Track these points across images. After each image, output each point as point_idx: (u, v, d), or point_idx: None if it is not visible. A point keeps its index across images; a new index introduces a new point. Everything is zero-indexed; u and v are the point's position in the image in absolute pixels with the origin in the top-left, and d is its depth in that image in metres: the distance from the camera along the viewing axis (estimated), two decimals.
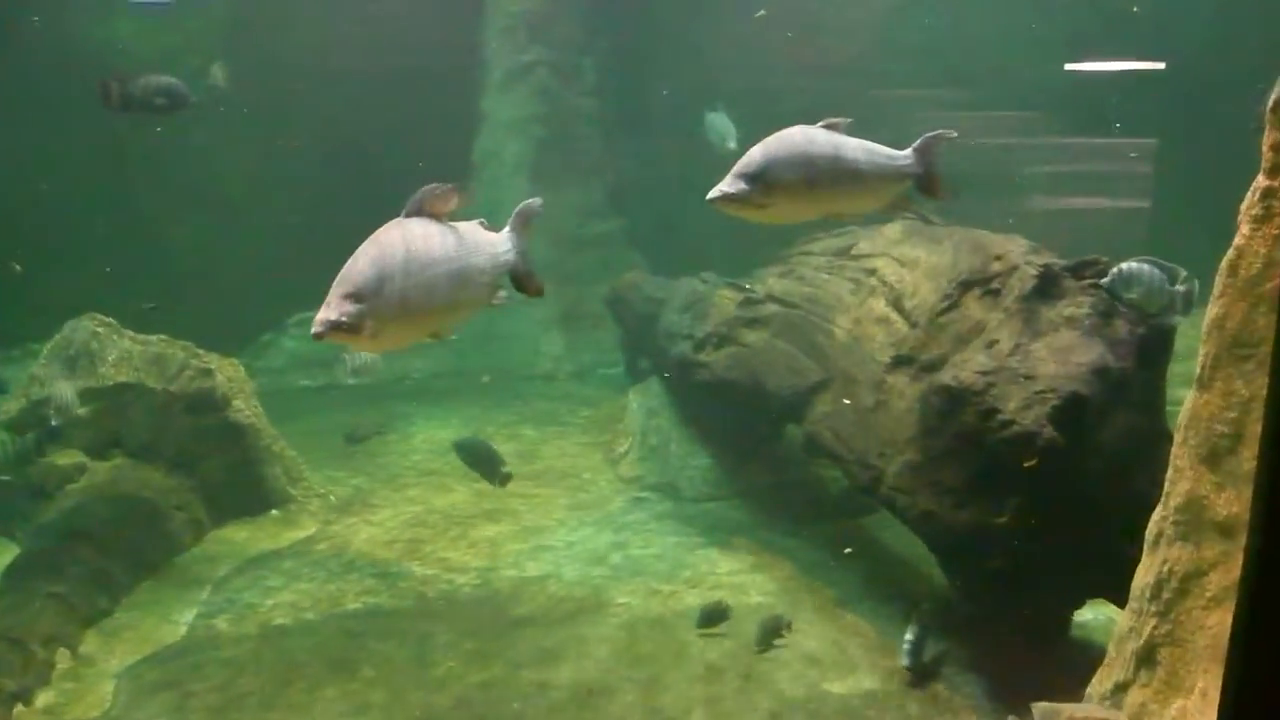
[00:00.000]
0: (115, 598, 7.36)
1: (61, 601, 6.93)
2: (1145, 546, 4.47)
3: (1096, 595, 6.03)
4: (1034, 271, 6.34)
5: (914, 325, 7.03)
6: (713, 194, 4.60)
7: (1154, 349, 5.99)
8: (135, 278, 11.74)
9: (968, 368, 6.02)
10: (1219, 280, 3.95)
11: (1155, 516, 4.44)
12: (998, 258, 6.64)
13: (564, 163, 14.62)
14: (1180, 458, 4.21)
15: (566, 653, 6.54)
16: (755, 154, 4.63)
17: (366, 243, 4.13)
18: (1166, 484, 4.35)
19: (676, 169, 13.78)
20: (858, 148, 4.77)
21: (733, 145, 12.75)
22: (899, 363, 6.91)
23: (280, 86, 13.35)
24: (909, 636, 6.07)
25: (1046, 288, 6.29)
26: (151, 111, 9.07)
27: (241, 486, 8.85)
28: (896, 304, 7.39)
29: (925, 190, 4.88)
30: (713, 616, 6.60)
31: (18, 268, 9.42)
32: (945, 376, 6.11)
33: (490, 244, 4.55)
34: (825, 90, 13.35)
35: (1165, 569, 4.29)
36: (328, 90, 13.70)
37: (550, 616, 7.11)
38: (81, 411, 8.07)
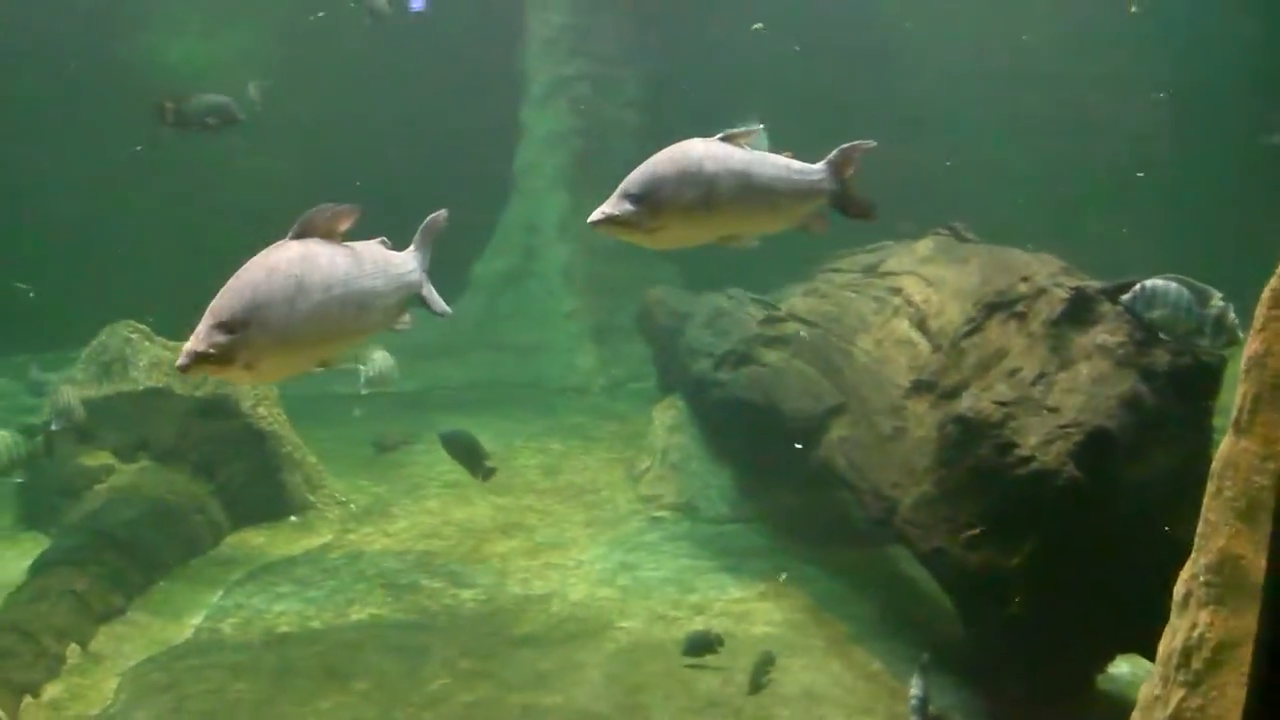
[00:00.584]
0: (130, 596, 7.48)
1: (78, 598, 7.07)
2: (1174, 606, 4.16)
3: (1128, 651, 5.67)
4: (1063, 294, 5.99)
5: (937, 349, 6.80)
6: (594, 216, 4.21)
7: (1197, 382, 5.55)
8: (186, 288, 11.97)
9: (986, 397, 5.79)
10: (1260, 312, 3.53)
11: (1184, 574, 4.01)
12: (1024, 279, 6.32)
13: (602, 175, 14.61)
14: (1213, 510, 3.77)
15: (560, 677, 6.51)
16: (642, 171, 4.22)
17: (244, 267, 3.85)
18: (1198, 538, 4.00)
19: None
20: (762, 162, 4.38)
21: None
22: (918, 388, 6.68)
23: (325, 100, 13.58)
24: (915, 691, 5.72)
25: (1078, 312, 5.93)
26: (204, 129, 9.28)
27: (261, 492, 8.98)
28: (921, 325, 7.15)
29: (842, 209, 4.49)
30: (700, 645, 6.51)
31: (30, 294, 9.61)
32: (962, 405, 5.90)
33: (392, 265, 4.26)
34: (869, 106, 13.31)
35: (1195, 635, 3.80)
36: (370, 103, 13.91)
37: (550, 637, 7.10)
38: (82, 416, 8.23)
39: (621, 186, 4.23)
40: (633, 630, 7.14)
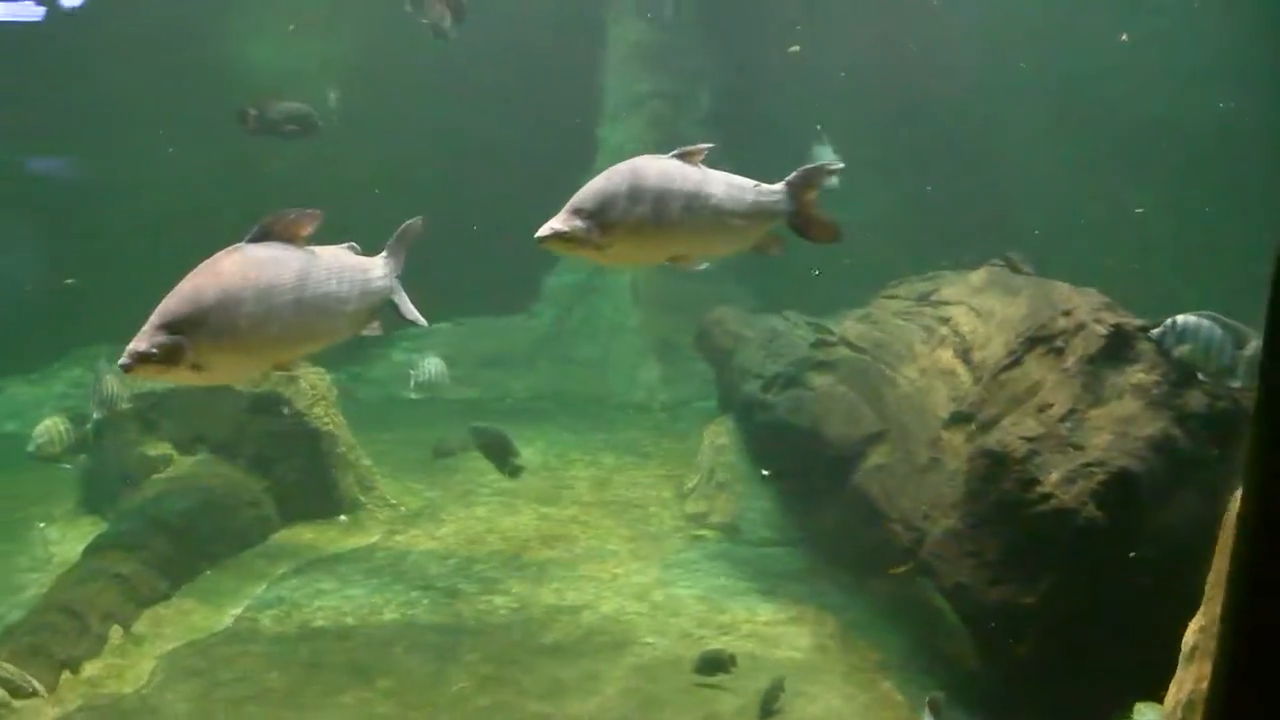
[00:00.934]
0: (176, 583, 7.74)
1: (125, 582, 7.34)
2: (1181, 658, 4.10)
3: (1147, 700, 5.62)
4: (1103, 331, 5.93)
5: (977, 380, 6.76)
6: (543, 231, 4.12)
7: (1233, 426, 5.42)
8: None
9: (1013, 432, 5.75)
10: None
11: (1193, 625, 4.00)
12: (1065, 313, 6.27)
13: None
14: (1222, 561, 3.80)
15: (577, 688, 6.56)
16: (594, 187, 4.17)
17: (194, 270, 3.85)
18: (1207, 588, 3.97)
19: None
20: (717, 181, 4.30)
21: (833, 181, 12.64)
22: (956, 420, 6.65)
23: (402, 110, 13.88)
24: None
25: (1116, 349, 5.86)
26: (283, 136, 9.60)
27: (313, 490, 9.19)
28: (965, 356, 7.10)
29: (801, 231, 4.38)
30: (711, 665, 6.50)
31: (73, 283, 9.92)
32: (990, 439, 5.87)
33: (356, 270, 4.20)
34: (936, 123, 13.19)
35: (1201, 688, 3.90)
36: (447, 115, 14.16)
37: (575, 648, 7.15)
38: (126, 406, 8.52)
39: (571, 202, 4.15)
40: (658, 646, 7.16)
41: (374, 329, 4.42)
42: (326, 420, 9.42)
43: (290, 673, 6.75)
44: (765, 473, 7.65)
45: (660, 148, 14.93)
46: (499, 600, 7.90)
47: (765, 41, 14.16)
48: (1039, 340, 6.27)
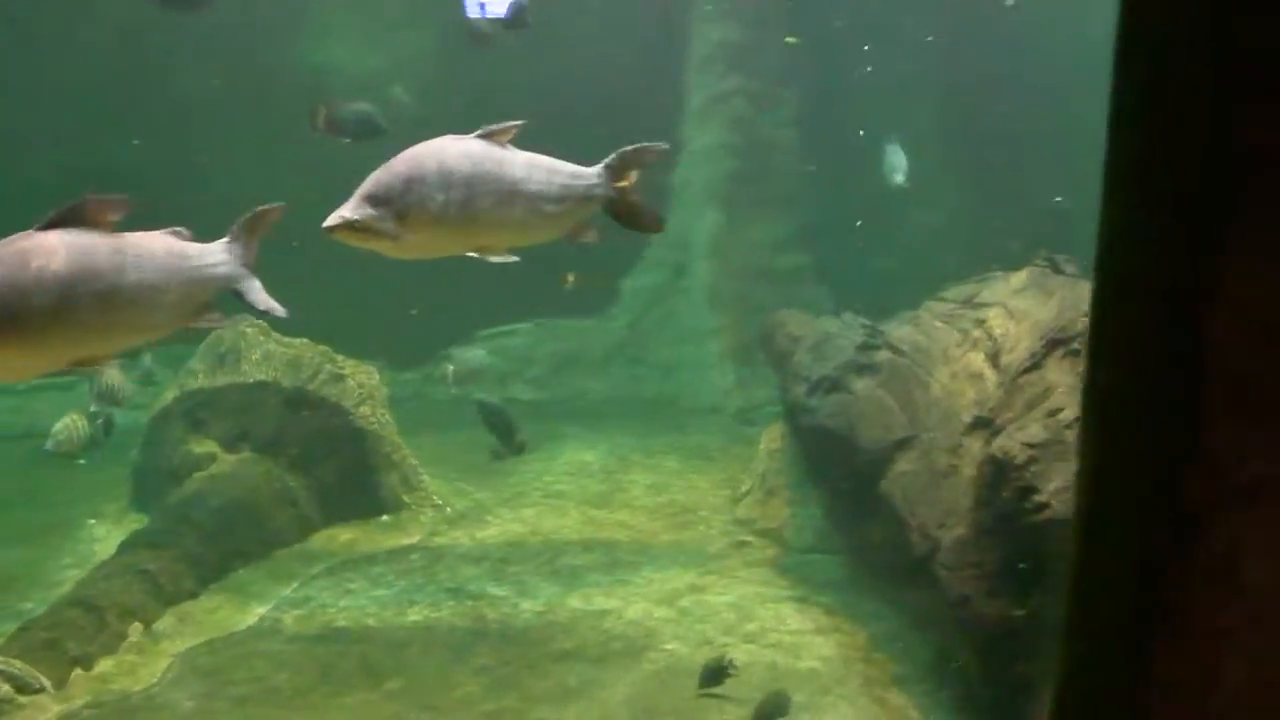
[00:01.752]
0: (204, 582, 7.75)
1: (150, 578, 7.37)
2: None
3: None
4: None
5: (1001, 384, 6.35)
6: (330, 220, 3.73)
7: None
8: (335, 294, 12.43)
9: (1017, 438, 5.36)
10: None
11: None
12: (1085, 314, 5.86)
13: (756, 194, 14.37)
14: None
15: (582, 694, 6.32)
16: (391, 170, 3.78)
17: None
18: None
19: (867, 204, 13.29)
20: (528, 164, 3.93)
21: (900, 179, 12.15)
22: (977, 424, 6.26)
23: (484, 111, 13.85)
24: None
25: None
26: (352, 136, 9.64)
27: (356, 489, 9.16)
28: (994, 359, 6.70)
29: (620, 218, 3.97)
30: (712, 675, 6.18)
31: None
32: (995, 445, 5.48)
33: (179, 257, 3.91)
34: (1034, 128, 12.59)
35: None
36: (529, 114, 14.09)
37: (591, 654, 6.90)
38: (125, 399, 8.56)
39: (363, 186, 3.78)
40: (675, 653, 6.86)
41: (212, 319, 4.13)
42: (373, 420, 9.38)
43: (302, 672, 6.67)
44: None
45: (742, 150, 14.69)
46: (525, 604, 7.71)
47: (851, 43, 13.76)
48: (1059, 342, 5.87)
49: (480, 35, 9.58)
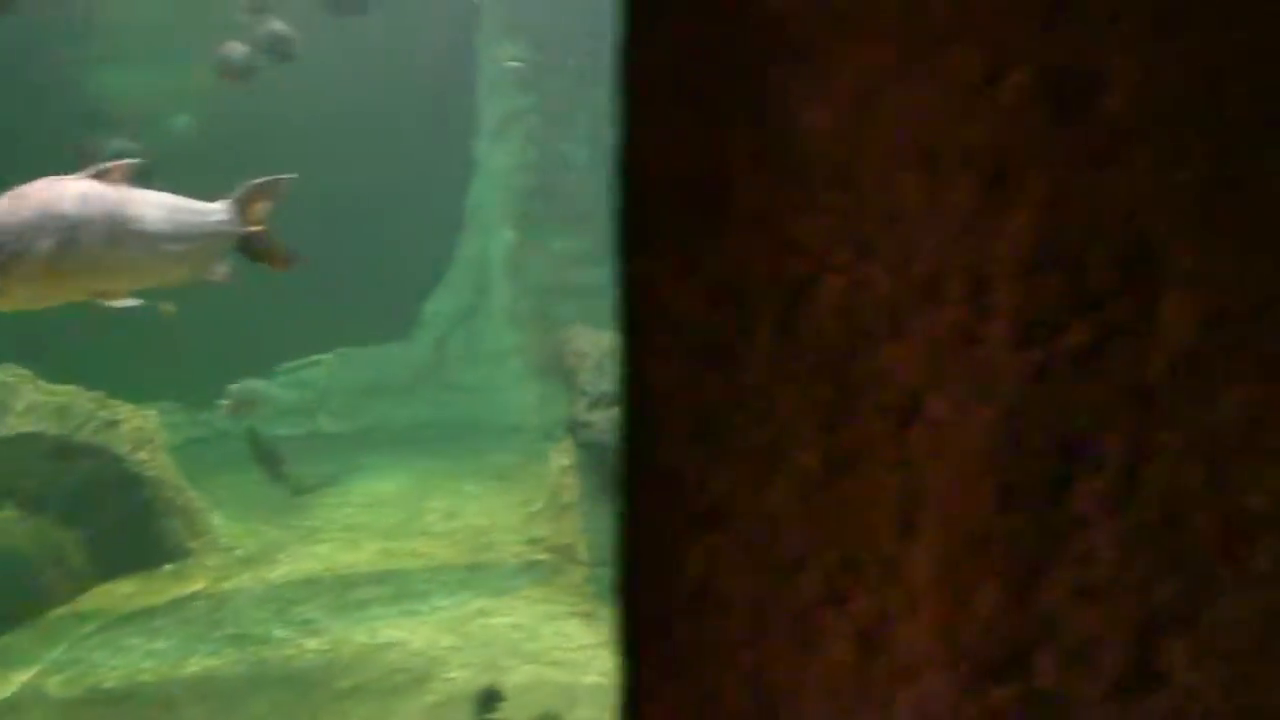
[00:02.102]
0: None
1: None
2: None
3: None
4: None
5: None
6: None
7: None
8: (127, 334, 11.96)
9: None
10: None
11: None
12: None
13: (551, 211, 14.47)
14: None
15: None
16: None
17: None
18: None
19: None
20: (143, 202, 3.85)
21: None
22: None
23: (268, 144, 13.56)
24: None
25: None
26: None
27: (137, 539, 8.83)
28: None
29: (254, 255, 4.02)
30: (485, 702, 6.22)
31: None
32: None
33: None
34: None
35: None
36: (314, 143, 13.86)
37: (375, 689, 6.84)
38: None
39: None
40: (458, 680, 6.86)
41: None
42: (152, 465, 9.07)
43: None
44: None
45: (535, 168, 14.72)
46: (310, 643, 7.57)
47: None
48: None
49: (231, 67, 9.32)
